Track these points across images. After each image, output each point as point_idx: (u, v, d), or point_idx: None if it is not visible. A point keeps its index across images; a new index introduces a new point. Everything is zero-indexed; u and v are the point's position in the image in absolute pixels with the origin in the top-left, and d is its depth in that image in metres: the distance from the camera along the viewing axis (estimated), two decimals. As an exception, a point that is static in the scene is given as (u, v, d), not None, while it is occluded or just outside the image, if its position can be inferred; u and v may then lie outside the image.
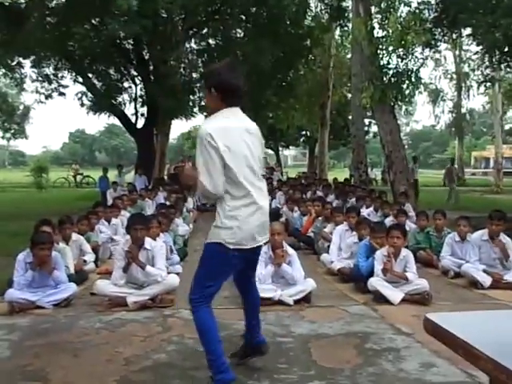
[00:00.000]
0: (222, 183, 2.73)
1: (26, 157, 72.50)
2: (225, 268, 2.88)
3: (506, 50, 10.75)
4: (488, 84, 15.86)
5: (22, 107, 39.14)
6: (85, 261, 6.09)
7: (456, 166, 14.12)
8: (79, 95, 16.78)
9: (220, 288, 2.96)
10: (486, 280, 5.42)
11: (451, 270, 6.02)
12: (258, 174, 2.89)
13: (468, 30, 12.33)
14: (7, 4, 12.71)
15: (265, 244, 3.10)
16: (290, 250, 5.07)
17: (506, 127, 31.08)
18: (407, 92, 11.13)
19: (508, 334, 1.23)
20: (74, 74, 16.52)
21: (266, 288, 4.73)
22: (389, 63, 11.18)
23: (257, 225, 2.84)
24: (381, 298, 4.84)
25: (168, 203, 9.36)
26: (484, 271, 5.53)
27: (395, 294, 4.83)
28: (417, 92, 11.38)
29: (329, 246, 6.59)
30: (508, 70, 14.23)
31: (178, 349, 3.63)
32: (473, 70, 22.75)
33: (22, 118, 39.06)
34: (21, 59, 15.69)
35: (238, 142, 2.79)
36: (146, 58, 16.09)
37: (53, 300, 4.70)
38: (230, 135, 2.75)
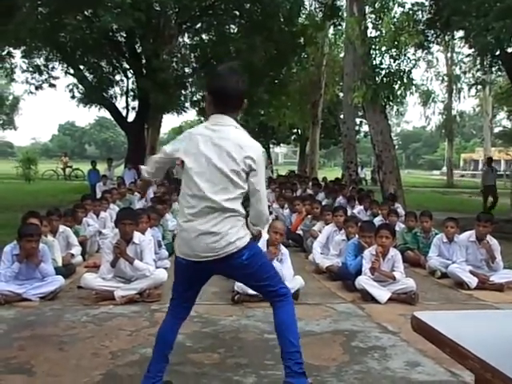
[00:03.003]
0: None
1: (15, 148, 71.85)
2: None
3: (498, 53, 10.83)
4: (479, 87, 16.04)
5: (11, 98, 38.82)
6: (72, 254, 6.06)
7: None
8: (70, 87, 16.69)
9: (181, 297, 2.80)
10: (473, 281, 5.47)
11: (438, 270, 6.07)
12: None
13: (460, 33, 12.41)
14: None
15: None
16: (284, 249, 5.11)
17: (496, 130, 31.30)
18: (399, 92, 11.17)
19: (494, 333, 1.24)
20: (65, 65, 16.39)
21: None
22: (381, 63, 11.22)
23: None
24: (368, 297, 4.87)
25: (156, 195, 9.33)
26: (470, 272, 5.58)
27: (382, 293, 4.86)
28: (408, 93, 11.44)
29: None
30: (499, 73, 14.35)
31: (164, 344, 3.61)
32: (464, 73, 23.00)
33: (11, 108, 38.74)
34: (11, 49, 15.51)
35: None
36: (139, 51, 16.00)
37: (39, 293, 4.66)
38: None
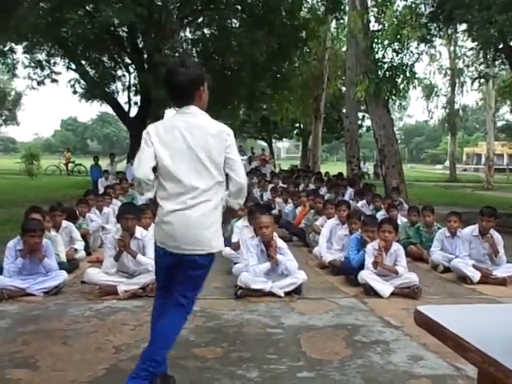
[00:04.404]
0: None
1: (17, 144, 71.97)
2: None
3: (501, 46, 10.78)
4: (482, 80, 15.93)
5: (13, 93, 38.82)
6: (76, 249, 6.07)
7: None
8: (72, 82, 16.65)
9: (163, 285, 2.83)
10: (475, 275, 5.47)
11: (441, 264, 6.06)
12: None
13: (463, 26, 12.34)
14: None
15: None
16: (280, 242, 5.08)
17: (499, 124, 31.21)
18: (401, 86, 11.14)
19: (497, 327, 1.24)
20: (66, 60, 16.37)
21: (257, 280, 4.75)
22: (384, 57, 11.18)
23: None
24: (371, 291, 4.87)
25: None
26: (473, 266, 5.58)
27: (385, 288, 4.86)
28: (411, 87, 11.39)
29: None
30: (502, 66, 14.27)
31: (168, 338, 3.63)
32: (467, 66, 22.87)
33: (13, 104, 38.76)
34: (13, 45, 15.50)
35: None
36: (140, 46, 15.95)
37: (43, 287, 4.68)
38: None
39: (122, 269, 4.87)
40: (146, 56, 15.58)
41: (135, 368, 2.58)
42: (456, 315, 1.33)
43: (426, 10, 11.80)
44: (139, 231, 4.97)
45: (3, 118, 39.99)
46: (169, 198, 2.64)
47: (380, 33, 11.03)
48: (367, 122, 27.19)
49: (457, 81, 27.59)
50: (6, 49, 15.54)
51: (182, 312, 2.71)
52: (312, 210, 7.94)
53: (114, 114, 18.79)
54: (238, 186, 2.73)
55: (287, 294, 4.76)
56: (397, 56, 11.02)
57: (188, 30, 17.65)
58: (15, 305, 4.39)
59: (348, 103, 16.22)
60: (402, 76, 10.96)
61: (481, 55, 12.63)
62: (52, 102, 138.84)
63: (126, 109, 17.22)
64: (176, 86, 2.68)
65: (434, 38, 12.56)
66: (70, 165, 27.22)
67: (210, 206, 2.63)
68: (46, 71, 16.62)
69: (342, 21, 18.30)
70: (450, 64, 27.42)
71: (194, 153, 2.61)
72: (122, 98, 17.78)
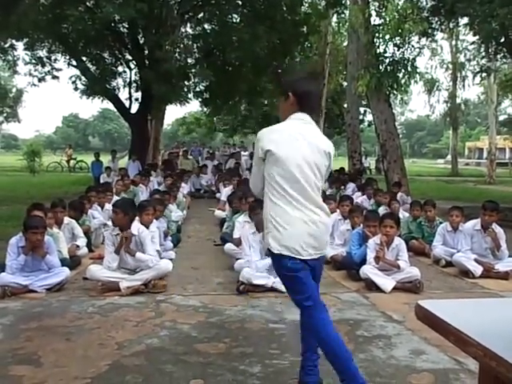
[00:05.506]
0: None
1: (19, 140, 72.01)
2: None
3: (503, 40, 10.72)
4: (483, 74, 15.85)
5: (14, 90, 38.80)
6: (78, 246, 6.08)
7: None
8: (73, 79, 16.59)
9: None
10: (477, 269, 5.47)
11: (443, 258, 6.06)
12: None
13: (465, 20, 12.27)
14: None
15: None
16: None
17: (500, 118, 31.11)
18: (403, 81, 11.11)
19: (499, 321, 1.24)
20: (67, 57, 16.31)
21: (259, 275, 4.76)
22: (385, 52, 11.15)
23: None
24: (373, 286, 4.88)
25: (162, 188, 9.35)
26: (475, 260, 5.58)
27: (387, 282, 4.87)
28: (412, 81, 11.37)
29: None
30: (504, 60, 14.21)
31: (170, 334, 3.64)
32: (469, 60, 22.74)
33: (14, 101, 38.73)
34: (14, 41, 15.46)
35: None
36: (141, 42, 15.90)
37: (45, 284, 4.69)
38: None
39: (124, 265, 4.88)
40: (146, 52, 15.54)
41: None
42: (457, 309, 1.33)
43: (427, 3, 11.74)
44: (136, 227, 4.97)
45: (4, 115, 39.99)
46: None
47: (381, 27, 11.00)
48: (369, 117, 27.16)
49: (458, 75, 27.51)
50: (6, 46, 15.50)
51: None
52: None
53: (115, 110, 18.74)
54: None
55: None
56: (398, 50, 11.00)
57: (189, 25, 17.59)
58: (18, 302, 4.40)
59: (349, 98, 16.22)
60: (403, 70, 10.93)
61: (482, 49, 12.56)
62: (53, 98, 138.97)
63: (127, 105, 17.17)
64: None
65: (435, 32, 12.51)
66: (71, 161, 27.23)
67: None
68: (47, 68, 16.56)
69: (343, 15, 18.23)
70: (451, 58, 27.34)
71: None
72: (122, 94, 17.75)
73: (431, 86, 27.04)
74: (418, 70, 11.67)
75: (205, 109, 24.50)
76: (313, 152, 2.59)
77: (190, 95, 18.52)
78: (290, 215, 2.52)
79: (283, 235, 2.51)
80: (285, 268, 2.54)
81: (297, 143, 2.58)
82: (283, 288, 4.69)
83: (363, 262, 5.17)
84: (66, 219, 6.13)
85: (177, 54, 16.04)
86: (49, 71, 16.63)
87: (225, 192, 9.80)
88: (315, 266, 2.62)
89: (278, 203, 2.54)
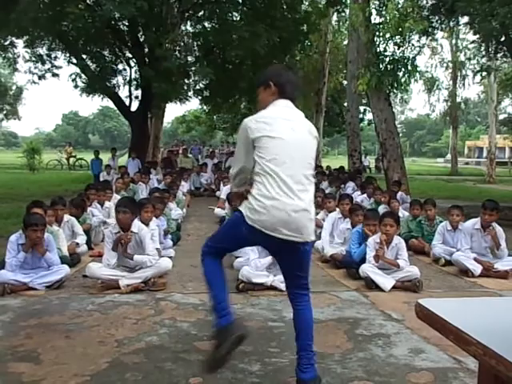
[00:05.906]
0: None
1: (19, 138, 72.01)
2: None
3: (503, 39, 10.71)
4: (484, 73, 15.87)
5: (14, 88, 38.78)
6: (77, 244, 6.08)
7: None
8: (73, 76, 16.59)
9: (228, 250, 2.96)
10: (477, 268, 5.47)
11: (442, 257, 6.07)
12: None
13: (465, 19, 12.26)
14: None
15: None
16: None
17: (500, 117, 31.07)
18: (403, 80, 11.08)
19: (498, 320, 1.25)
20: (67, 54, 16.31)
21: (258, 273, 4.76)
22: (385, 50, 11.12)
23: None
24: (372, 285, 4.88)
25: (161, 187, 9.34)
26: (475, 259, 5.58)
27: (386, 281, 4.87)
28: (413, 80, 11.33)
29: (320, 233, 6.62)
30: (504, 59, 14.22)
31: (170, 332, 3.65)
32: (469, 59, 22.77)
33: (14, 98, 38.73)
34: (14, 39, 15.47)
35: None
36: (141, 40, 15.90)
37: (45, 281, 4.69)
38: None
39: (123, 263, 4.88)
40: (146, 50, 15.53)
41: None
42: (457, 308, 1.33)
43: (427, 2, 11.72)
44: (136, 225, 4.97)
45: (4, 112, 39.96)
46: None
47: (381, 26, 10.97)
48: (369, 116, 27.12)
49: (458, 74, 27.51)
50: (6, 43, 15.51)
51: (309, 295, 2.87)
52: (313, 205, 7.92)
53: (115, 108, 18.73)
54: None
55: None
56: (398, 49, 10.97)
57: (189, 23, 17.60)
58: (17, 299, 4.40)
59: (349, 97, 16.20)
60: (403, 69, 10.91)
61: (483, 48, 12.56)
62: (53, 96, 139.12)
63: (127, 103, 17.17)
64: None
65: (435, 31, 12.50)
66: (71, 159, 27.22)
67: None
68: (47, 65, 16.56)
69: (343, 14, 18.26)
70: (451, 57, 27.32)
71: None
72: (122, 92, 17.73)
73: (431, 84, 27.04)
74: (418, 69, 11.64)
75: (205, 107, 24.52)
76: (304, 134, 2.69)
77: (190, 93, 18.55)
78: (275, 199, 2.49)
79: (260, 216, 2.49)
80: (237, 221, 2.58)
81: (288, 125, 2.64)
82: (283, 286, 4.72)
83: (363, 260, 5.17)
84: (66, 217, 6.13)
85: (177, 52, 16.05)
86: (49, 69, 16.62)
87: (224, 190, 9.79)
88: (292, 249, 2.59)
89: (266, 186, 2.52)
